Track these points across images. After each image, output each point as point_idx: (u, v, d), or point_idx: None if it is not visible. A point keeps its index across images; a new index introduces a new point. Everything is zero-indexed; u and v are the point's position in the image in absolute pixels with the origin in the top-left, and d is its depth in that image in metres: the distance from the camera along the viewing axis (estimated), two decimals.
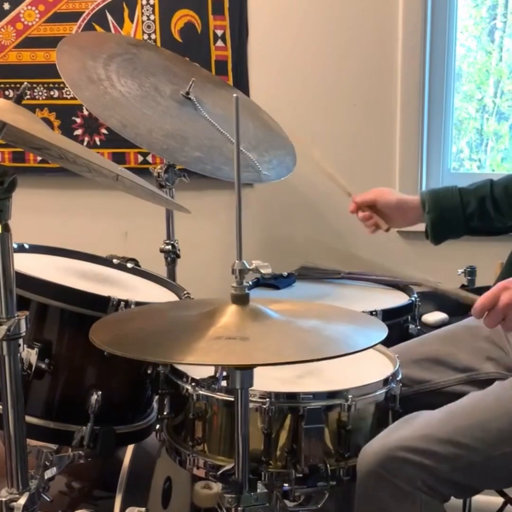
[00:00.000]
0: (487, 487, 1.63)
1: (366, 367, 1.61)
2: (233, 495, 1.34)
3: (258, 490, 1.36)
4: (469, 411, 1.54)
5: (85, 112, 2.72)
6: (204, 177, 2.06)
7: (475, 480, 1.52)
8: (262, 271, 1.32)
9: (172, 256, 2.29)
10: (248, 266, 1.30)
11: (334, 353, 1.23)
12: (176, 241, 2.31)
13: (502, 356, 1.77)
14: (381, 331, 1.33)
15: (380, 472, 1.44)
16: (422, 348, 1.84)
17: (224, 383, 1.41)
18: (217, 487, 1.91)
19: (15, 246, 1.40)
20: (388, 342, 1.49)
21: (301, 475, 1.45)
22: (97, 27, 2.66)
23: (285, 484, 1.46)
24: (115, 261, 1.99)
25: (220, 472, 1.43)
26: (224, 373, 1.39)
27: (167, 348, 1.24)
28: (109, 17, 2.65)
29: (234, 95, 1.27)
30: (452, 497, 1.51)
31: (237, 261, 1.29)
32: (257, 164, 2.09)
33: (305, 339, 1.30)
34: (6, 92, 2.76)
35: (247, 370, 1.28)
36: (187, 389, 1.54)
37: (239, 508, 1.34)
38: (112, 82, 2.06)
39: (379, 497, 1.46)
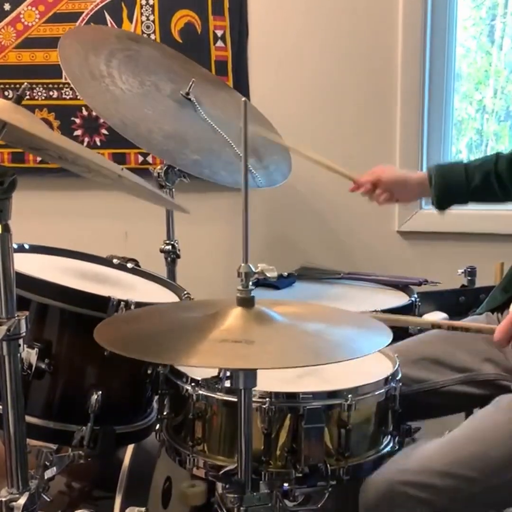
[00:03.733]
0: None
1: (366, 367, 1.61)
2: (236, 495, 1.34)
3: (261, 490, 1.37)
4: (468, 441, 1.53)
5: (85, 113, 2.72)
6: (204, 179, 2.06)
7: (474, 509, 1.53)
8: (268, 274, 1.32)
9: (172, 256, 2.29)
10: (254, 270, 1.30)
11: (339, 358, 1.24)
12: (176, 241, 2.30)
13: (501, 357, 1.77)
14: (386, 336, 1.33)
15: (382, 506, 1.47)
16: (421, 347, 1.83)
17: (227, 383, 1.41)
18: (202, 484, 1.91)
19: (15, 246, 1.39)
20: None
21: (301, 474, 1.45)
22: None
23: (285, 484, 1.45)
24: (115, 261, 1.99)
25: (222, 472, 1.43)
26: (228, 373, 1.39)
27: (172, 350, 1.24)
28: (108, 17, 2.65)
29: (242, 99, 1.28)
30: None
31: (243, 264, 1.29)
32: (253, 170, 2.09)
33: (310, 343, 1.30)
34: (6, 93, 2.76)
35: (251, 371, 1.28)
36: (187, 389, 1.54)
37: (241, 508, 1.34)
38: (113, 79, 2.06)
39: None
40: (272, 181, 2.18)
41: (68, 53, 2.05)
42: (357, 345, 1.31)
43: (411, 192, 2.13)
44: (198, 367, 1.47)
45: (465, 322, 1.78)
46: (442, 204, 2.05)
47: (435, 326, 1.70)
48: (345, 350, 1.28)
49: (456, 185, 2.01)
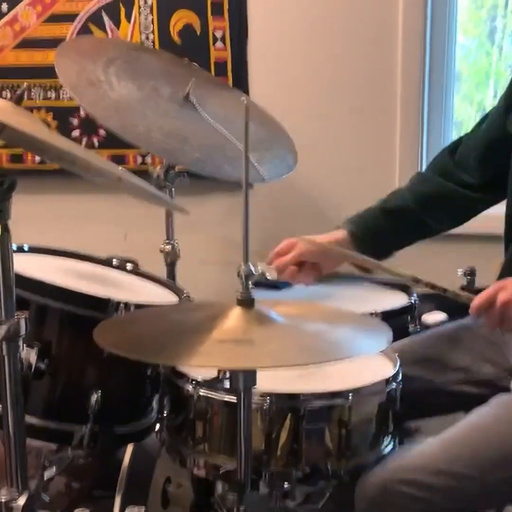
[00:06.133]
0: (482, 510, 1.64)
1: (367, 368, 1.61)
2: (235, 495, 1.34)
3: (260, 490, 1.37)
4: (463, 440, 1.53)
5: (83, 113, 2.71)
6: (203, 179, 2.06)
7: (470, 506, 1.53)
8: (268, 275, 1.32)
9: (171, 257, 2.29)
10: (254, 271, 1.30)
11: (339, 358, 1.24)
12: (176, 242, 2.30)
13: (501, 358, 1.77)
14: (386, 335, 1.33)
15: (378, 504, 1.47)
16: (420, 347, 1.84)
17: (227, 383, 1.41)
18: (189, 485, 1.91)
19: (14, 247, 1.39)
20: None
21: (301, 474, 1.45)
22: (93, 27, 2.66)
23: (285, 484, 1.45)
24: (114, 262, 1.99)
25: (222, 471, 1.43)
26: (228, 374, 1.39)
27: (173, 350, 1.24)
28: (106, 18, 2.65)
29: (242, 98, 1.28)
30: None
31: (243, 265, 1.29)
32: (256, 164, 2.09)
33: (310, 343, 1.29)
34: (4, 93, 2.76)
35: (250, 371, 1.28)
36: (187, 390, 1.53)
37: (241, 508, 1.34)
38: (111, 85, 2.06)
39: None
40: (277, 174, 2.18)
41: (64, 62, 2.05)
42: (357, 345, 1.31)
43: (330, 260, 1.91)
44: (198, 367, 1.47)
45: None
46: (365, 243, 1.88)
47: (414, 280, 1.68)
48: (345, 350, 1.28)
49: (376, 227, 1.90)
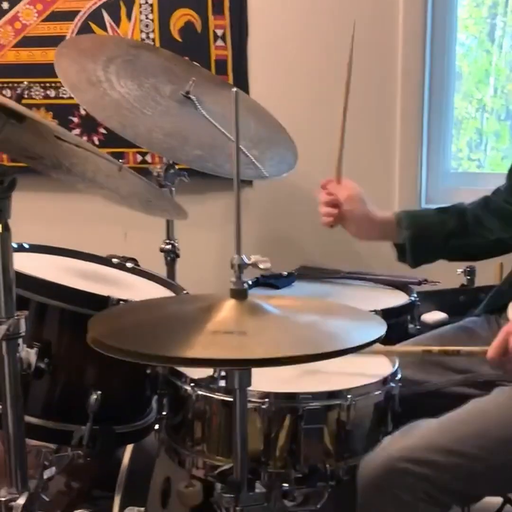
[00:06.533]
0: (489, 494, 1.63)
1: (365, 367, 1.61)
2: (232, 495, 1.34)
3: (257, 490, 1.37)
4: (470, 419, 1.53)
5: (82, 112, 2.71)
6: (204, 177, 2.06)
7: (476, 488, 1.52)
8: (261, 266, 1.31)
9: (171, 256, 2.29)
10: (246, 261, 1.29)
11: (332, 349, 1.22)
12: (176, 241, 2.30)
13: None
14: (380, 327, 1.32)
15: (382, 483, 1.45)
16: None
17: (222, 382, 1.41)
18: (199, 483, 1.90)
19: (14, 245, 1.40)
20: (387, 342, 1.49)
21: (300, 475, 1.45)
22: (93, 26, 2.66)
23: (284, 484, 1.45)
24: (114, 260, 1.99)
25: (218, 471, 1.43)
26: (223, 373, 1.39)
27: (164, 342, 1.23)
28: (106, 16, 2.65)
29: (233, 89, 1.27)
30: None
31: (235, 256, 1.28)
32: (256, 161, 2.09)
33: (303, 334, 1.28)
34: (4, 92, 2.75)
35: (245, 370, 1.28)
36: (186, 390, 1.54)
37: (237, 508, 1.34)
38: (111, 84, 2.06)
39: (381, 507, 1.46)
40: (277, 172, 2.18)
41: (64, 61, 2.05)
42: (351, 337, 1.29)
43: (371, 230, 1.94)
44: (191, 359, 1.45)
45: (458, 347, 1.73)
46: (415, 251, 1.89)
47: (425, 352, 1.69)
48: (339, 341, 1.26)
49: (429, 225, 1.90)
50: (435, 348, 1.67)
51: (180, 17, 2.61)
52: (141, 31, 2.63)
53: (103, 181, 1.52)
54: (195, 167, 2.03)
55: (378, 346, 1.50)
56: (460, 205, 1.94)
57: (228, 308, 1.28)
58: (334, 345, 1.23)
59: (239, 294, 1.29)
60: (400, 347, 1.77)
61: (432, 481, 1.44)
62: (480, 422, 1.52)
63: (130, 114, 2.01)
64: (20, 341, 1.36)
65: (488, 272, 2.17)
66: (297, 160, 2.27)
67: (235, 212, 1.29)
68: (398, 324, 1.99)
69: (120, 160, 1.43)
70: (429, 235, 1.90)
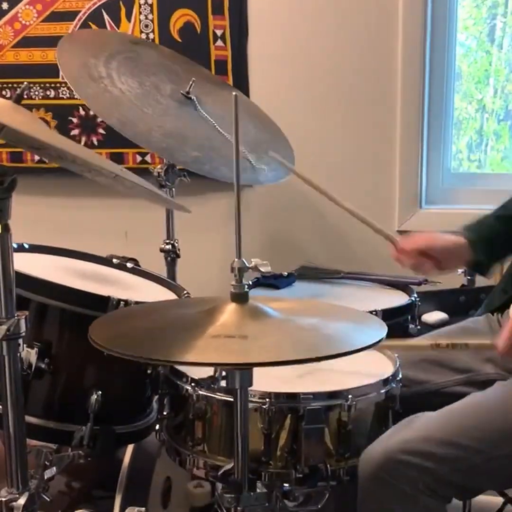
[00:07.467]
0: (489, 488, 1.63)
1: (366, 367, 1.61)
2: (233, 495, 1.34)
3: (258, 490, 1.36)
4: (470, 411, 1.53)
5: (82, 112, 2.71)
6: (204, 178, 2.05)
7: (476, 481, 1.52)
8: (262, 269, 1.31)
9: (172, 256, 2.29)
10: (247, 265, 1.29)
11: (333, 352, 1.22)
12: (176, 241, 2.30)
13: (502, 358, 1.77)
14: (381, 330, 1.32)
15: (382, 476, 1.44)
16: None
17: (223, 383, 1.41)
18: (208, 485, 1.91)
19: (15, 245, 1.39)
20: None
21: (301, 475, 1.45)
22: (93, 26, 2.66)
23: (285, 484, 1.45)
24: (115, 260, 1.99)
25: (220, 472, 1.42)
26: (224, 373, 1.39)
27: (166, 346, 1.23)
28: (106, 16, 2.65)
29: (233, 93, 1.27)
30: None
31: (236, 260, 1.29)
32: (255, 165, 2.09)
33: (304, 338, 1.29)
34: (3, 92, 2.75)
35: (246, 370, 1.28)
36: (186, 389, 1.54)
37: (238, 508, 1.34)
38: (112, 80, 2.05)
39: (381, 500, 1.46)
40: (276, 177, 2.18)
41: (66, 55, 2.05)
42: (352, 339, 1.30)
43: (459, 259, 1.93)
44: (192, 363, 1.45)
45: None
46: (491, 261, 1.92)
47: (434, 346, 1.69)
48: (340, 344, 1.26)
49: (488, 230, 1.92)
50: (443, 342, 1.67)
51: (180, 17, 2.61)
52: (141, 31, 2.63)
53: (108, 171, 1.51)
54: (192, 169, 2.03)
55: (386, 340, 1.51)
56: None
57: (229, 311, 1.28)
58: (335, 349, 1.24)
59: (240, 297, 1.30)
60: (409, 341, 1.78)
61: (432, 473, 1.44)
62: (479, 415, 1.53)
63: (129, 112, 2.00)
64: (20, 341, 1.36)
65: None
66: (296, 163, 2.26)
67: (235, 216, 1.29)
68: (398, 324, 1.99)
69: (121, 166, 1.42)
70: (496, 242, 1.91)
